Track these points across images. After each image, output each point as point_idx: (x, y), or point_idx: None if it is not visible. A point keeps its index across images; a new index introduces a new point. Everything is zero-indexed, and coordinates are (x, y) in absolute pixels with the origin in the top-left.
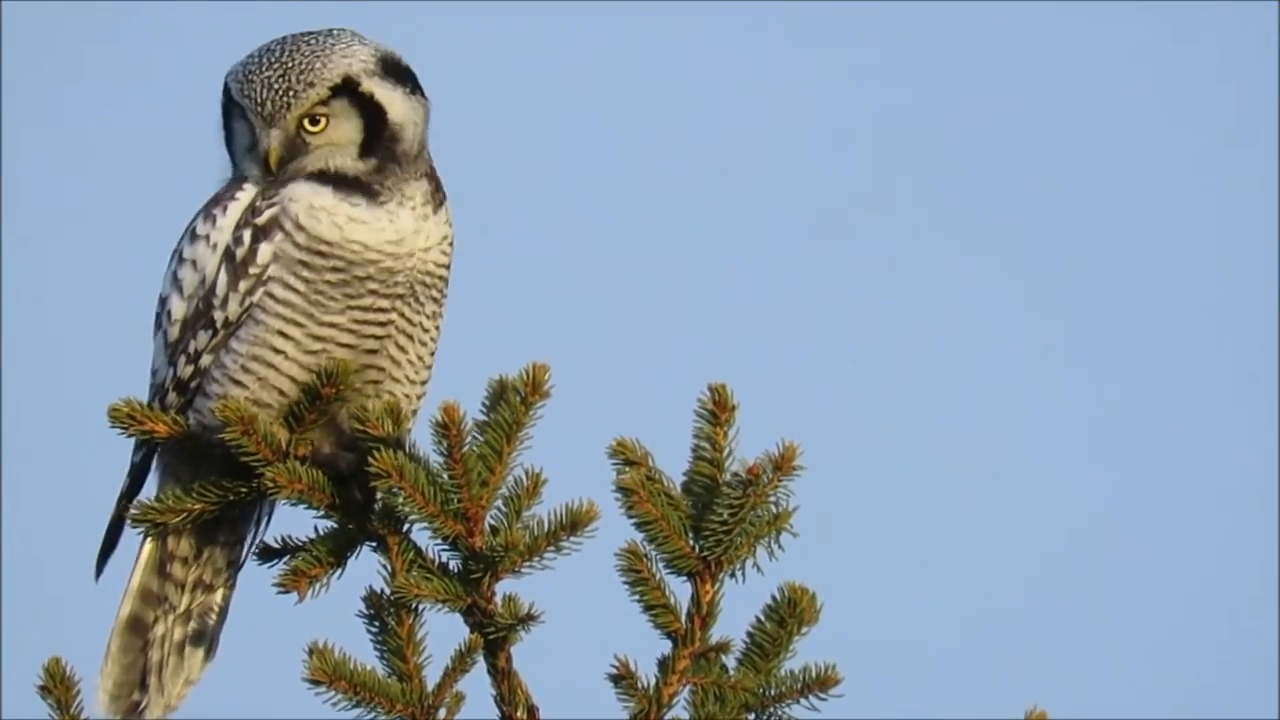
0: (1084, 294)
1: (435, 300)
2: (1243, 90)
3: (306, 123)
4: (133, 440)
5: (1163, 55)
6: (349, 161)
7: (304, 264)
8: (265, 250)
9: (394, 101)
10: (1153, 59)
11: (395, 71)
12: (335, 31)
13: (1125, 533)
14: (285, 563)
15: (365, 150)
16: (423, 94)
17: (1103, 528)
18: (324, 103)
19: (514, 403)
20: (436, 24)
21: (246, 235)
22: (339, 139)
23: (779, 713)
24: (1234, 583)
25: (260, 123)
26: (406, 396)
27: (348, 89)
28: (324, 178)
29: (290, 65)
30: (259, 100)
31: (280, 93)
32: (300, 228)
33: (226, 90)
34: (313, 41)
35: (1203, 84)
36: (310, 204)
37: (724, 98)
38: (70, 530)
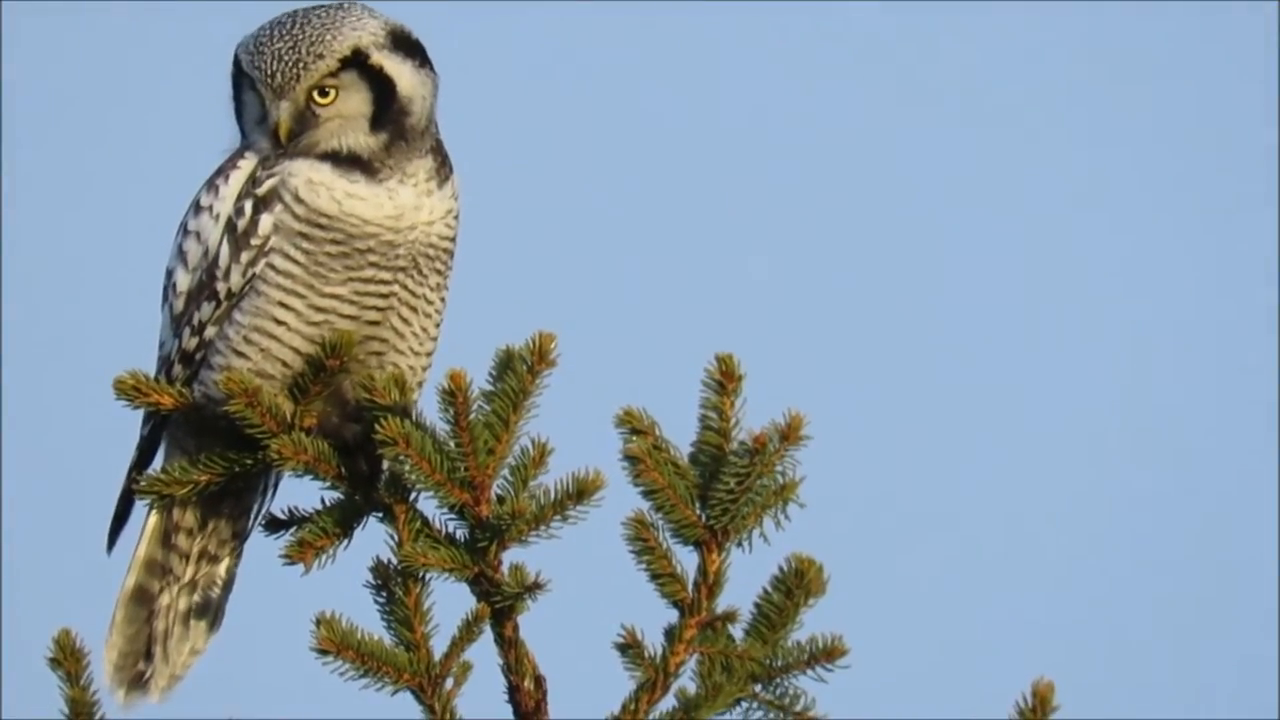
0: (1084, 287)
1: (439, 272)
2: (1242, 90)
3: (316, 94)
4: (141, 413)
5: (1163, 55)
6: (361, 138)
7: (304, 236)
8: (266, 221)
9: (403, 74)
10: (1152, 59)
11: (405, 45)
12: (345, 5)
13: (1133, 496)
14: (291, 534)
15: (375, 124)
16: (432, 68)
17: (1107, 504)
18: (333, 75)
19: (520, 371)
20: (447, 10)
21: (248, 206)
22: (348, 111)
23: (785, 683)
24: (1234, 581)
25: (270, 94)
26: (411, 368)
27: (357, 61)
28: (328, 157)
29: (300, 37)
30: (269, 72)
31: (290, 64)
32: (300, 200)
33: (237, 62)
34: (323, 14)
35: (1203, 84)
36: (309, 178)
37: (735, 79)
38: (81, 503)
